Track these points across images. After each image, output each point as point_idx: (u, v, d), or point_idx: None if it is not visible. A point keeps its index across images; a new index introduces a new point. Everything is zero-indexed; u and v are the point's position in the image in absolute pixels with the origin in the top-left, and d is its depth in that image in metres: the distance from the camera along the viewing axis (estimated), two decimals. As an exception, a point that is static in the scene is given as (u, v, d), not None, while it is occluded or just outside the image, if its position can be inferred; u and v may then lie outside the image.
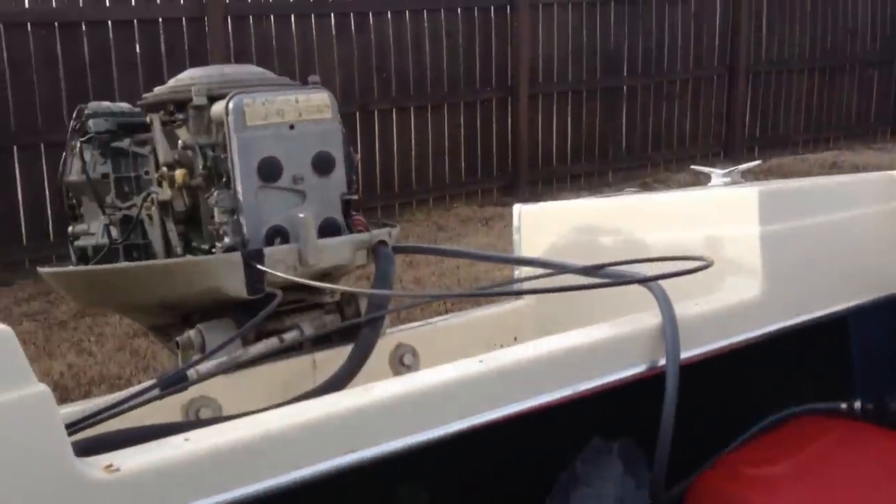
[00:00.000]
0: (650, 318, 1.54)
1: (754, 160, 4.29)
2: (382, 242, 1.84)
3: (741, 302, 1.72)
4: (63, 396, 3.58)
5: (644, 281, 1.60)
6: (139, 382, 3.75)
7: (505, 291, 2.12)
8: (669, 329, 1.50)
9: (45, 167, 6.07)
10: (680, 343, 1.49)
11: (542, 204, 2.29)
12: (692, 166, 3.01)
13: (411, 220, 7.10)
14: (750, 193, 1.79)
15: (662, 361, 1.50)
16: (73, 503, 0.98)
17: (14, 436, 0.96)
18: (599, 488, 1.61)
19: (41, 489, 0.97)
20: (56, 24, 6.16)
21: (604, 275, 1.65)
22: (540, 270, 1.91)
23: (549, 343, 1.43)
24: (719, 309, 1.68)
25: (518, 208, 2.24)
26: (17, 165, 6.06)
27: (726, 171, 2.51)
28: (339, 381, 1.51)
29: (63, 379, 3.81)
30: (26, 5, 6.13)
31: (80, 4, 6.28)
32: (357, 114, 7.27)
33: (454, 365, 1.33)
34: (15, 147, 6.05)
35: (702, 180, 2.73)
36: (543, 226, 2.18)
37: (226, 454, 1.09)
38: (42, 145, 6.06)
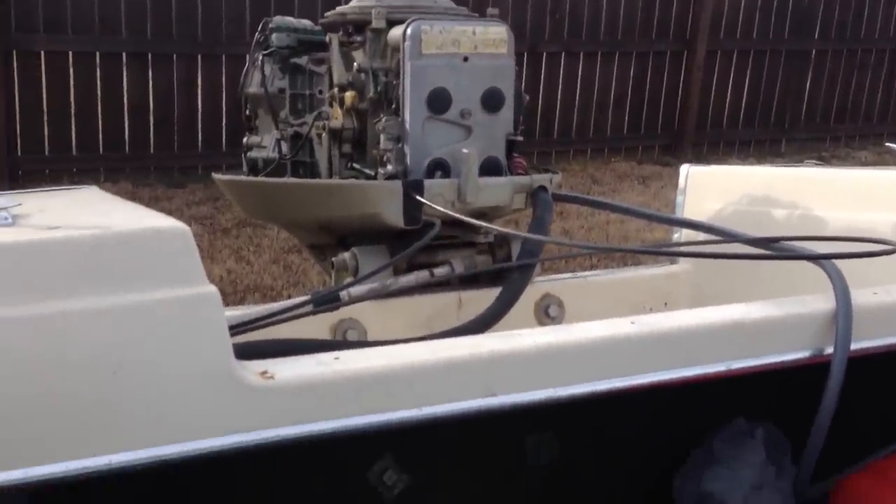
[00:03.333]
0: (822, 302, 1.43)
1: (954, 146, 3.88)
2: (543, 188, 1.80)
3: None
4: (221, 300, 3.78)
5: (818, 258, 1.48)
6: (290, 295, 3.93)
7: (668, 252, 2.04)
8: (843, 315, 1.39)
9: (224, 78, 6.35)
10: (852, 332, 1.38)
11: (712, 167, 2.17)
12: (887, 144, 2.75)
13: (566, 169, 6.97)
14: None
15: (829, 349, 1.40)
16: (228, 402, 1.03)
17: (182, 330, 1.01)
18: (737, 470, 1.54)
19: (201, 384, 1.02)
20: (247, -61, 6.35)
21: (774, 249, 1.54)
22: (702, 236, 1.82)
23: (708, 314, 1.36)
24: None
25: (686, 168, 2.13)
26: (199, 74, 6.37)
27: (926, 153, 2.29)
28: (484, 323, 1.51)
29: (221, 283, 4.02)
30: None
31: (271, -78, 6.45)
32: (525, 55, 7.15)
33: (604, 323, 1.29)
34: (199, 56, 6.35)
35: (889, 161, 2.51)
36: (711, 190, 2.07)
37: (372, 378, 1.11)
38: (224, 57, 6.33)
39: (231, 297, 3.88)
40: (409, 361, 1.14)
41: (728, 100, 8.04)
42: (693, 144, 7.83)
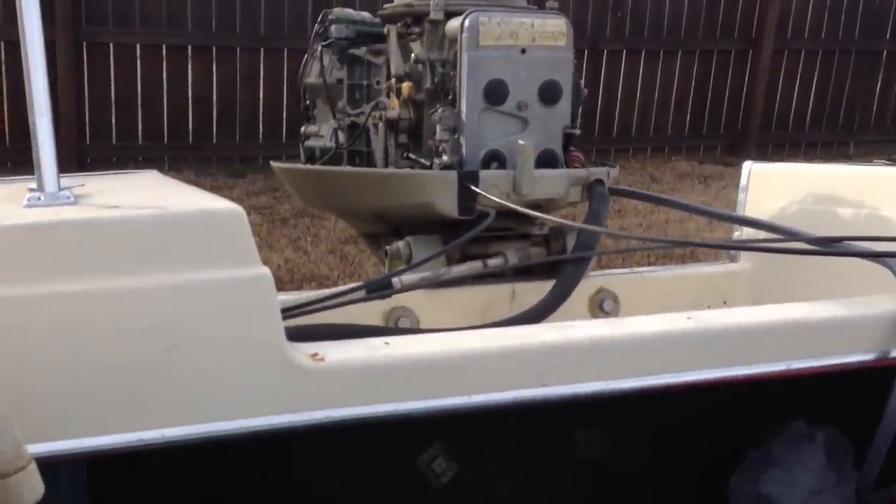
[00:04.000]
0: (888, 303, 1.38)
1: None
2: (599, 181, 1.78)
3: None
4: (278, 287, 3.83)
5: (883, 256, 1.43)
6: (345, 285, 3.96)
7: (725, 245, 1.98)
8: None
9: (285, 71, 6.44)
10: (919, 336, 1.33)
11: (775, 164, 2.12)
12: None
13: (625, 167, 6.88)
14: None
15: (895, 352, 1.35)
16: (279, 382, 1.03)
17: (234, 310, 1.02)
18: (796, 474, 1.50)
19: (252, 364, 1.03)
20: (309, -68, 6.43)
21: (839, 249, 1.49)
22: (763, 235, 1.77)
23: (768, 312, 1.33)
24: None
25: (748, 165, 2.08)
26: (262, 67, 6.47)
27: None
28: (538, 314, 1.49)
29: (279, 271, 4.08)
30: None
31: (335, -82, 6.51)
32: (585, 52, 7.08)
33: (660, 317, 1.27)
34: (262, 49, 6.46)
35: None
36: (774, 188, 2.02)
37: (423, 364, 1.11)
38: (285, 50, 6.42)
39: (288, 285, 3.93)
40: (461, 349, 1.14)
41: (794, 100, 7.85)
42: (757, 145, 7.65)
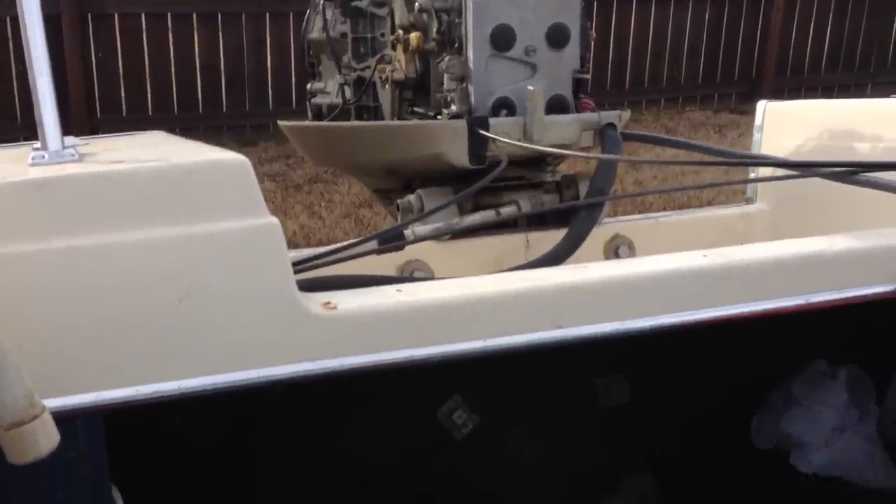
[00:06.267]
0: (909, 235, 1.35)
1: None
2: (611, 125, 1.75)
3: None
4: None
5: None
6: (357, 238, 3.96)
7: (742, 180, 1.94)
8: None
9: (292, 36, 6.38)
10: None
11: (791, 102, 2.07)
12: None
13: (638, 120, 6.81)
14: None
15: None
16: (292, 331, 1.03)
17: (244, 260, 1.01)
18: (818, 413, 1.49)
19: (264, 314, 1.02)
20: None
21: (860, 180, 1.46)
22: (781, 172, 1.74)
23: (785, 246, 1.30)
24: None
25: (763, 105, 2.04)
26: (268, 33, 6.42)
27: None
28: (552, 260, 1.48)
29: (295, 237, 4.09)
30: None
31: None
32: (595, 3, 6.97)
33: (674, 256, 1.25)
34: (267, 14, 6.40)
35: None
36: (791, 126, 1.98)
37: (436, 309, 1.10)
38: (291, 14, 6.35)
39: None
40: (476, 293, 1.12)
41: (809, 44, 7.71)
42: (773, 91, 7.54)
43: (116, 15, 6.06)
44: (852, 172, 1.42)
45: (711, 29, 7.45)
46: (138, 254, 0.97)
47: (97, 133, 6.06)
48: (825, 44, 7.74)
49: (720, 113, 7.18)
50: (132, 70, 6.16)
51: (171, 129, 6.32)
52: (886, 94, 6.51)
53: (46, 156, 1.06)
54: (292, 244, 4.26)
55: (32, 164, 1.05)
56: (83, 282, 0.95)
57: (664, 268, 1.21)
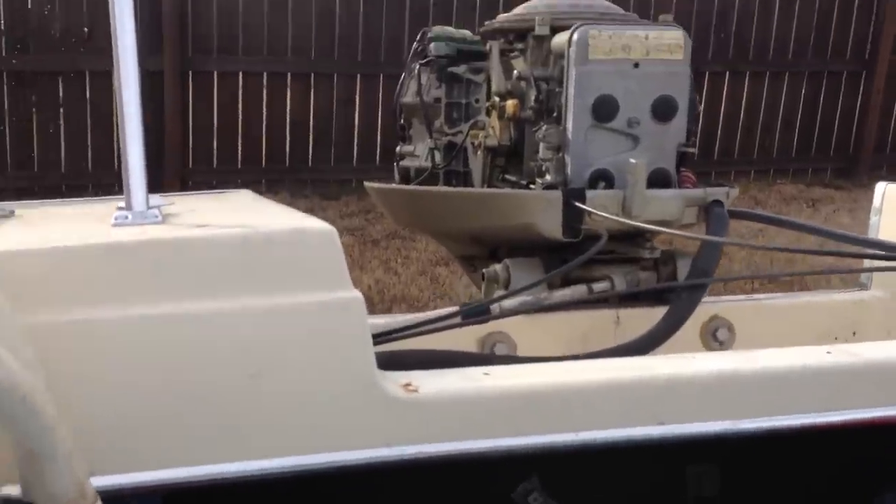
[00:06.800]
0: None
1: None
2: (718, 202, 1.65)
3: None
4: (368, 309, 3.80)
5: None
6: (436, 307, 3.91)
7: (861, 268, 1.79)
8: None
9: (381, 96, 6.48)
10: None
11: (914, 184, 1.93)
12: None
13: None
14: None
15: None
16: (368, 414, 0.96)
17: (323, 336, 0.95)
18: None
19: (340, 394, 0.96)
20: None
21: None
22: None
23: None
24: None
25: (882, 186, 1.91)
26: (357, 92, 6.54)
27: None
28: (647, 344, 1.37)
29: (370, 292, 4.07)
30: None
31: (432, -58, 6.55)
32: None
33: (793, 351, 1.13)
34: (358, 75, 6.53)
35: None
36: (912, 212, 1.83)
37: (525, 397, 1.01)
38: (382, 76, 6.47)
39: (378, 306, 3.91)
40: (568, 381, 1.03)
41: (911, 121, 7.42)
42: (871, 167, 7.26)
43: (216, 73, 6.27)
44: None
45: (807, 103, 7.26)
46: (213, 324, 0.92)
47: (187, 182, 6.25)
48: (928, 122, 7.45)
49: (813, 187, 6.93)
50: (226, 124, 6.35)
51: (258, 182, 6.49)
52: None
53: (130, 216, 1.03)
54: (367, 298, 4.21)
55: (115, 225, 1.02)
56: (151, 351, 0.90)
57: (782, 364, 1.09)
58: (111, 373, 0.90)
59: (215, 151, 6.38)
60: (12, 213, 1.23)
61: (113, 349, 0.90)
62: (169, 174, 6.13)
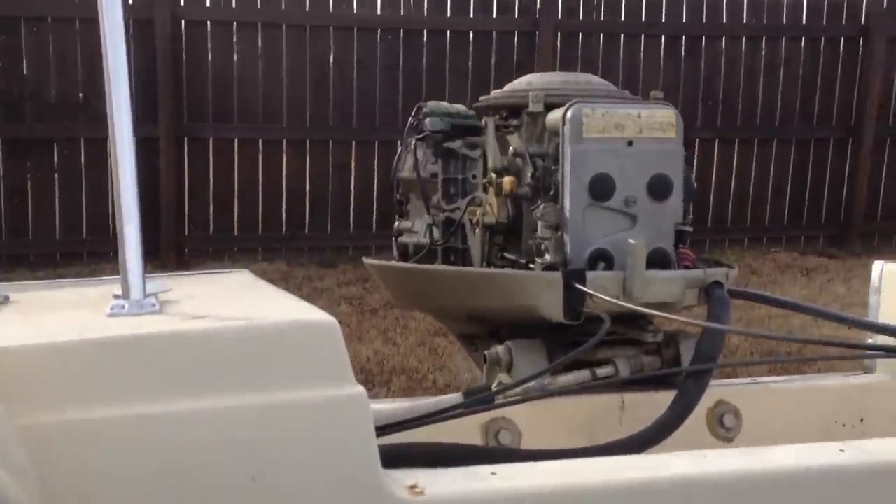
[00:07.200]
0: None
1: None
2: (718, 283, 1.63)
3: None
4: (367, 381, 3.76)
5: None
6: (435, 380, 3.85)
7: (862, 354, 1.78)
8: None
9: (376, 162, 6.53)
10: None
11: (911, 263, 1.92)
12: None
13: (721, 259, 6.63)
14: None
15: None
16: (373, 519, 0.91)
17: (325, 435, 0.92)
18: None
19: (345, 497, 0.91)
20: (402, 30, 6.60)
21: None
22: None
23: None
24: None
25: (879, 266, 1.89)
26: (353, 158, 6.59)
27: None
28: (657, 435, 1.34)
29: (369, 364, 4.02)
30: (378, 11, 6.64)
31: (425, 14, 6.68)
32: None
33: (805, 448, 1.10)
34: (353, 142, 6.58)
35: None
36: (913, 291, 1.82)
37: (532, 500, 0.97)
38: (377, 142, 6.53)
39: (378, 377, 3.86)
40: (576, 482, 0.99)
41: (901, 188, 7.50)
42: (862, 235, 7.31)
43: (211, 139, 6.31)
44: None
45: (796, 170, 7.34)
46: (212, 423, 0.88)
47: (184, 249, 6.22)
48: (917, 188, 7.53)
49: (807, 255, 6.95)
50: (222, 191, 6.36)
51: (255, 249, 6.47)
52: None
53: (126, 305, 1.00)
54: (366, 370, 4.19)
55: (111, 315, 0.99)
56: (149, 452, 0.87)
57: (795, 463, 1.06)
58: (108, 475, 0.87)
59: (211, 218, 6.38)
60: (7, 298, 1.21)
61: (109, 450, 0.87)
62: (165, 241, 6.11)
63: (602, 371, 1.61)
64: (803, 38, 7.25)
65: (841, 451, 1.07)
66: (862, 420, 1.71)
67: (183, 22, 6.16)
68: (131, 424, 0.86)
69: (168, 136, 6.09)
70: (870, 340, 1.82)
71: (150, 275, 1.12)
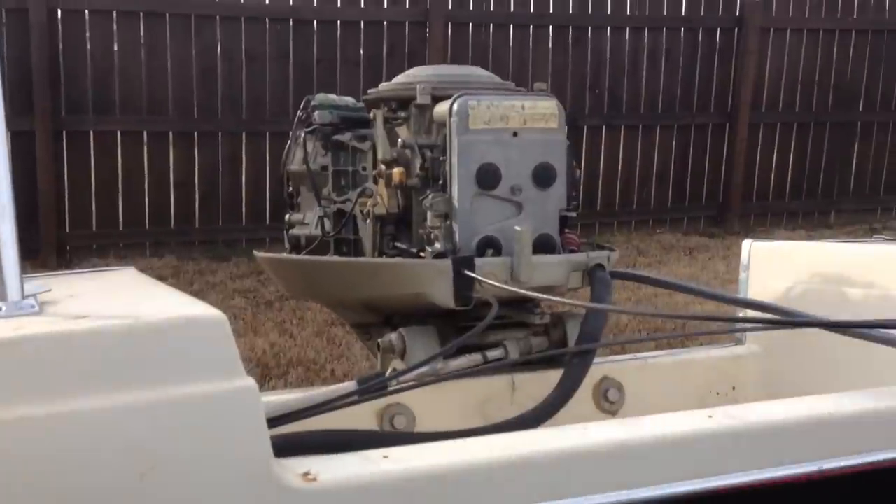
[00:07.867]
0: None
1: None
2: (600, 266, 1.71)
3: None
4: (264, 373, 3.71)
5: None
6: (333, 370, 3.85)
7: (733, 329, 1.89)
8: None
9: (268, 154, 6.42)
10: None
11: (776, 242, 2.06)
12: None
13: (610, 241, 6.87)
14: None
15: None
16: (266, 507, 0.93)
17: (216, 429, 0.92)
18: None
19: (237, 488, 0.92)
20: (291, 20, 6.51)
21: (859, 335, 1.41)
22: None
23: (795, 406, 1.23)
24: None
25: (748, 244, 2.02)
26: (244, 150, 6.46)
27: None
28: (545, 413, 1.40)
29: (265, 357, 3.97)
30: (266, 1, 6.52)
31: (315, 4, 6.61)
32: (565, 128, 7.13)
33: (677, 416, 1.17)
34: (244, 133, 6.45)
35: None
36: (777, 267, 1.95)
37: (426, 480, 1.00)
38: (268, 134, 6.41)
39: (275, 370, 3.81)
40: (466, 460, 1.03)
41: (773, 171, 7.93)
42: (740, 215, 7.69)
43: (92, 132, 6.06)
44: (850, 326, 1.38)
45: (679, 155, 7.66)
46: (98, 423, 0.87)
47: (65, 247, 5.96)
48: (789, 172, 7.97)
49: (690, 235, 7.28)
50: (104, 186, 6.12)
51: (142, 244, 6.23)
52: (850, 221, 6.63)
53: (4, 308, 0.97)
54: (262, 363, 4.13)
55: (-12, 318, 0.96)
56: (33, 455, 0.85)
57: (666, 430, 1.13)
58: None
59: (94, 214, 6.13)
60: None
61: None
62: (45, 240, 5.84)
63: (493, 354, 1.66)
64: (682, 29, 7.55)
65: (709, 416, 1.15)
66: (734, 388, 1.83)
67: (59, 11, 5.89)
68: (13, 427, 0.84)
69: (45, 130, 5.81)
70: (740, 314, 1.95)
71: (29, 275, 1.09)
